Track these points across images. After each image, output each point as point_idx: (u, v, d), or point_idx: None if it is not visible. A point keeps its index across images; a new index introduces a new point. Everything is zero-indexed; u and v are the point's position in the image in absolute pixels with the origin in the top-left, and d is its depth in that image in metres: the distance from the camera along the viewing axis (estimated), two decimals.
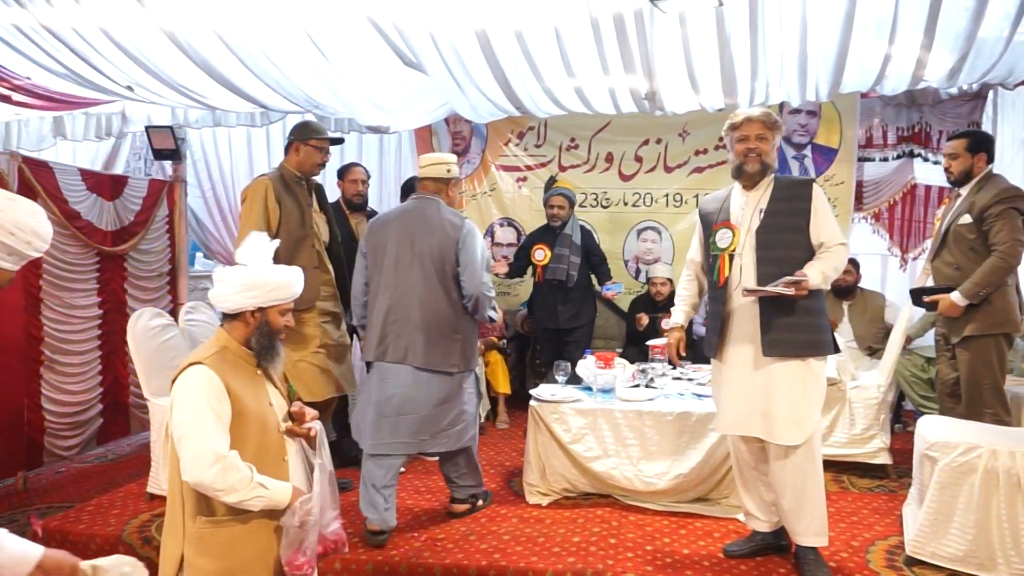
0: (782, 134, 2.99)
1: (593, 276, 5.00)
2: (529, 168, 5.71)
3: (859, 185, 5.25)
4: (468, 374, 3.29)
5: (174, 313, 4.63)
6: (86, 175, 4.55)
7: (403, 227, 3.22)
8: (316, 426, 2.15)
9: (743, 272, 2.85)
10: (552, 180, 5.40)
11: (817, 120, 5.21)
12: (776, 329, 2.77)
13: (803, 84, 4.05)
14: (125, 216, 4.80)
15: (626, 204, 5.52)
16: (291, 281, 2.14)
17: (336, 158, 4.83)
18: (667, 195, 5.50)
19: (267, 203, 3.40)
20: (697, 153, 5.42)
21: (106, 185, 4.68)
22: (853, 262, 4.74)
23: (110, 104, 5.05)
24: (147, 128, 5.11)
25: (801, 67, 3.85)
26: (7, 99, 4.60)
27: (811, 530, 2.81)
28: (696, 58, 3.85)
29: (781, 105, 5.01)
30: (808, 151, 5.24)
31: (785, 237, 2.83)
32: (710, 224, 3.01)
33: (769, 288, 2.71)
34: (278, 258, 3.38)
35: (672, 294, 5.01)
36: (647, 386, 3.81)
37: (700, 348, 4.78)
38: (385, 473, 3.15)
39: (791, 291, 2.68)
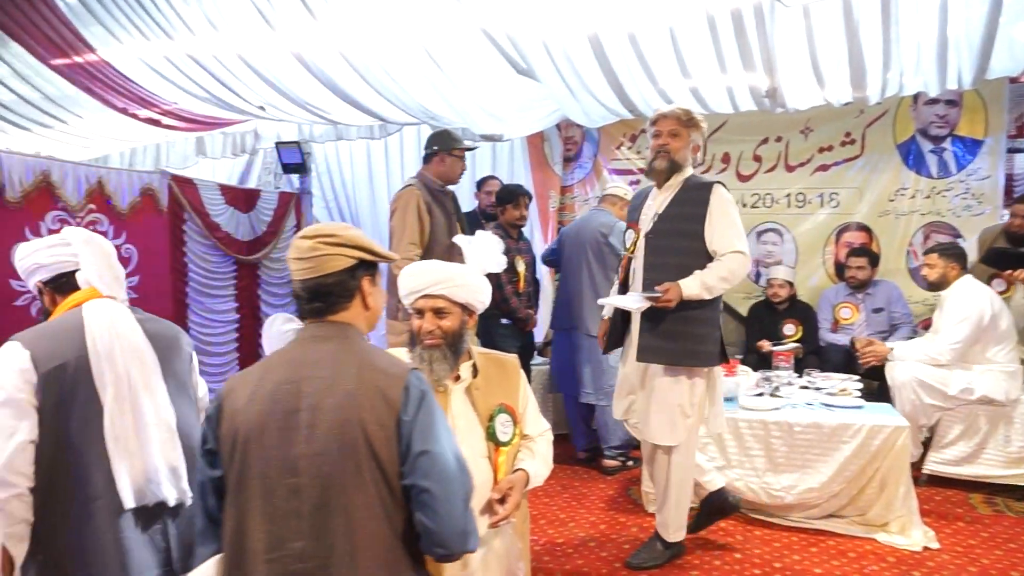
0: (702, 133, 2.90)
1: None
2: (642, 171, 5.61)
3: (1009, 179, 4.80)
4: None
5: (299, 318, 4.89)
6: (224, 190, 4.89)
7: (576, 230, 4.32)
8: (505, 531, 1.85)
9: (635, 275, 2.83)
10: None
11: (958, 110, 4.80)
12: (650, 336, 2.75)
13: (943, 71, 3.76)
14: (258, 227, 5.12)
15: (744, 205, 5.31)
16: (407, 275, 1.94)
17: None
18: (788, 195, 5.25)
19: (420, 212, 3.43)
20: (821, 150, 5.14)
21: (241, 198, 5.01)
22: None
23: (244, 124, 5.42)
24: (277, 144, 5.44)
25: (941, 53, 3.58)
26: (157, 123, 5.04)
27: (663, 522, 2.95)
28: (821, 50, 3.67)
29: (916, 96, 4.68)
30: (948, 144, 4.85)
31: (676, 243, 2.75)
32: (628, 222, 3.00)
33: (618, 301, 2.75)
34: None
35: (791, 297, 4.82)
36: (772, 395, 3.64)
37: (827, 356, 4.55)
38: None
39: (640, 306, 2.65)
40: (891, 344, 3.98)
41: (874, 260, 4.73)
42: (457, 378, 1.93)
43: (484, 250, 2.00)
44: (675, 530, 2.93)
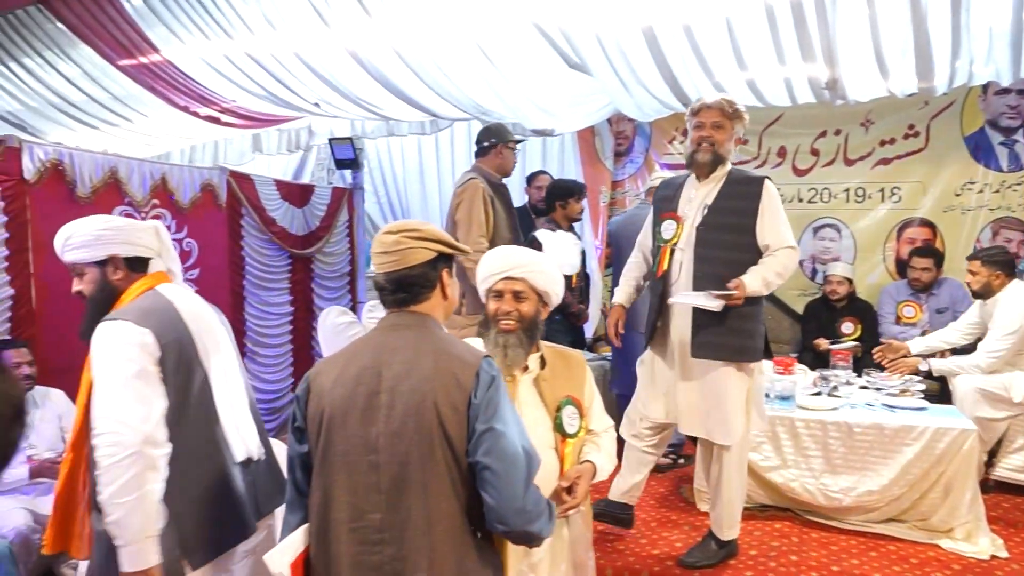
0: (744, 125, 2.86)
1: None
2: None
3: None
4: None
5: (352, 311, 4.97)
6: (280, 185, 4.98)
7: (628, 226, 4.03)
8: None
9: (682, 267, 2.80)
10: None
11: None
12: (707, 332, 2.71)
13: (1017, 59, 3.59)
14: (312, 221, 5.21)
15: (801, 200, 5.19)
16: (491, 257, 1.98)
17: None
18: (847, 190, 5.10)
19: (485, 205, 3.42)
20: (883, 143, 4.97)
21: (296, 194, 5.10)
22: None
23: (299, 120, 5.53)
24: (330, 140, 5.53)
25: (1015, 40, 3.42)
26: (216, 120, 5.18)
27: (717, 520, 2.92)
28: (886, 39, 3.55)
29: (986, 86, 4.49)
30: (1020, 135, 4.64)
31: (727, 237, 2.73)
32: (659, 211, 2.93)
33: (693, 299, 2.67)
34: None
35: (849, 295, 4.68)
36: (830, 394, 3.55)
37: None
38: None
39: (718, 304, 2.60)
40: (919, 351, 3.87)
41: (939, 260, 4.56)
42: (525, 368, 1.94)
43: (563, 250, 2.01)
44: (728, 527, 2.91)
